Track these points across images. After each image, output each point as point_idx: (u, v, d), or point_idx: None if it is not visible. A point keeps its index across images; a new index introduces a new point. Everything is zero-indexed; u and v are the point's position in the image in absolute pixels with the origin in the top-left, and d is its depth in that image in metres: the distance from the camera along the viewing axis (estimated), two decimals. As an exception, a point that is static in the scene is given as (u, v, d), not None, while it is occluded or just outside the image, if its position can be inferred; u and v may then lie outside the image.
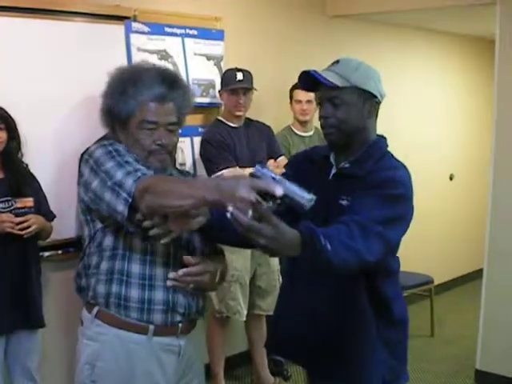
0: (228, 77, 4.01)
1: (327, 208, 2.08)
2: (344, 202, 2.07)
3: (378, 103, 2.15)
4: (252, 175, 1.73)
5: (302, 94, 4.39)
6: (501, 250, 4.43)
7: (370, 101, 2.12)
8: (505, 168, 4.40)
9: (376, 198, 1.98)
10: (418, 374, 4.73)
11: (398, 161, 2.16)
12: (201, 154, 4.01)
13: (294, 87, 4.43)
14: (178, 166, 3.76)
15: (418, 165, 6.25)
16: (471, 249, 6.54)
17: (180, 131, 3.92)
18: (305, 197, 1.65)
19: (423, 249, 6.28)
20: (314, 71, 2.08)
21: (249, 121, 4.15)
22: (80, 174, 2.10)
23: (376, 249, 1.91)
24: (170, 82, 2.12)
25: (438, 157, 6.55)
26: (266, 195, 1.63)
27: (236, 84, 3.96)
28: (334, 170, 2.18)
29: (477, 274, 5.85)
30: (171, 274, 2.04)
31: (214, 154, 3.89)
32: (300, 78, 2.14)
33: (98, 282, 2.10)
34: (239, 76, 3.98)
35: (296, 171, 2.26)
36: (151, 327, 2.09)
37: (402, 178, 2.08)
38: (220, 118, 4.10)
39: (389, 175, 2.06)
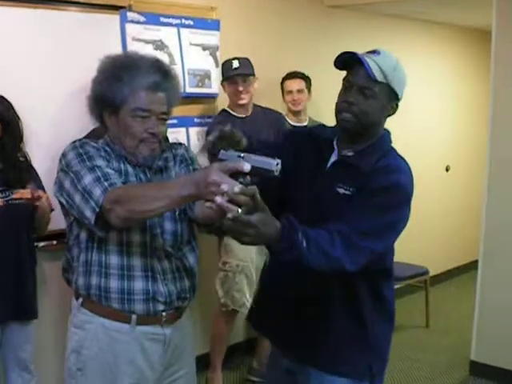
0: (225, 67, 4.05)
1: (322, 193, 2.10)
2: (341, 190, 2.07)
3: (398, 105, 2.17)
4: (219, 160, 1.76)
5: (292, 84, 4.45)
6: (496, 241, 4.44)
7: (394, 101, 2.14)
8: (501, 160, 4.40)
9: (372, 207, 1.99)
10: (413, 364, 4.75)
11: (402, 158, 2.16)
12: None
13: (285, 78, 4.51)
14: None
15: (414, 156, 6.23)
16: (467, 240, 6.55)
17: (176, 121, 4.00)
18: (272, 163, 1.69)
19: (419, 240, 6.28)
20: (362, 56, 2.05)
21: (259, 108, 4.16)
22: (57, 173, 2.12)
23: (357, 259, 1.94)
24: (164, 72, 2.12)
25: (434, 148, 6.56)
26: (237, 174, 1.68)
27: (232, 72, 3.98)
28: (335, 157, 2.16)
29: (472, 266, 5.86)
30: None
31: None
32: (340, 54, 2.10)
33: (78, 274, 2.13)
34: (235, 64, 4.00)
35: (292, 144, 2.25)
36: (134, 316, 2.10)
37: (405, 183, 2.07)
38: (227, 108, 4.10)
39: (393, 180, 2.04)
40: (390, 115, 2.16)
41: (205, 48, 4.19)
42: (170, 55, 3.99)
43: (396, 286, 5.56)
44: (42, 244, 3.43)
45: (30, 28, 3.37)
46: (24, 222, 3.12)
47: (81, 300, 2.15)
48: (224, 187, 1.63)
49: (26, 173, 3.14)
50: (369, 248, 1.96)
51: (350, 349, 2.16)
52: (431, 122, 6.48)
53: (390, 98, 2.11)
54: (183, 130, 4.13)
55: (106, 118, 2.14)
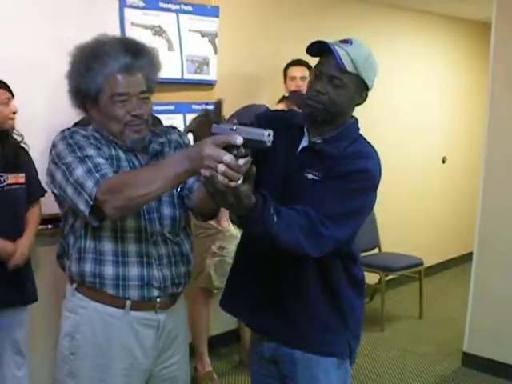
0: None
1: (291, 177, 2.13)
2: (309, 176, 2.10)
3: (367, 94, 2.18)
4: (212, 134, 1.74)
5: (296, 71, 4.46)
6: (490, 233, 4.44)
7: (364, 91, 2.15)
8: (497, 152, 4.40)
9: (339, 190, 2.02)
10: (406, 355, 4.77)
11: (370, 145, 2.19)
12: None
13: (289, 65, 4.52)
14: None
15: (411, 147, 6.30)
16: (461, 232, 6.57)
17: (173, 108, 3.98)
18: (263, 134, 1.68)
19: (414, 231, 6.31)
20: (333, 46, 2.06)
21: None
22: (48, 164, 2.10)
23: (320, 248, 1.96)
24: (134, 51, 2.07)
25: (431, 140, 6.56)
26: (230, 147, 1.67)
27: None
28: (305, 143, 2.19)
29: (466, 258, 5.88)
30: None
31: None
32: (312, 44, 2.11)
33: (73, 260, 2.12)
34: None
35: (269, 127, 2.26)
36: (128, 302, 2.10)
37: (372, 169, 2.10)
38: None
39: (361, 165, 2.07)
40: (359, 104, 2.18)
41: (203, 34, 4.18)
42: (169, 41, 3.97)
43: (390, 277, 5.59)
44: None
45: (28, 12, 3.35)
46: (21, 207, 3.11)
47: (75, 285, 2.14)
48: (221, 167, 1.62)
49: (21, 157, 3.14)
50: (333, 237, 1.97)
51: (333, 327, 2.20)
52: (428, 113, 6.47)
53: (360, 88, 2.13)
54: (180, 116, 4.11)
55: (89, 110, 2.12)
